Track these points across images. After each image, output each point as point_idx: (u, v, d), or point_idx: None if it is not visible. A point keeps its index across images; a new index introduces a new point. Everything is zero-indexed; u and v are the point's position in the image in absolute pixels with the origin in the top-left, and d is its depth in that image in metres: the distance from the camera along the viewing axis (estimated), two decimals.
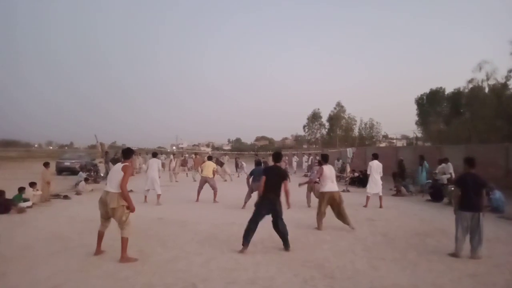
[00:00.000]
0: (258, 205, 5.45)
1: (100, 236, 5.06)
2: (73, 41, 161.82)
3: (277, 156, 5.88)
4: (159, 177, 10.33)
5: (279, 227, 5.36)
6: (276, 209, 5.34)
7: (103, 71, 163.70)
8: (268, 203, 5.35)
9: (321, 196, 6.78)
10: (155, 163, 10.33)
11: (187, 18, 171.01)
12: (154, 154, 11.22)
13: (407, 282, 4.12)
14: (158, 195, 9.92)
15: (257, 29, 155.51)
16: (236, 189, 12.76)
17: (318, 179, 7.33)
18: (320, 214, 6.78)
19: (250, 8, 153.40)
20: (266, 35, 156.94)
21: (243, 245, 5.25)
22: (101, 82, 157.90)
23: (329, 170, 6.83)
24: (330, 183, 6.70)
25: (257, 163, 10.11)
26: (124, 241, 4.79)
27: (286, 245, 5.39)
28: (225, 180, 17.74)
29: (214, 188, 10.44)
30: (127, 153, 5.25)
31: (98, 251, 5.05)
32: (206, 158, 12.92)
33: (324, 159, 7.23)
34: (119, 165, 4.99)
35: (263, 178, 5.42)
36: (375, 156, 10.03)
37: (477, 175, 5.34)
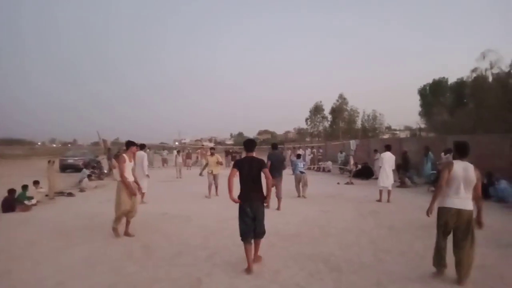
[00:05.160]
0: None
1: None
2: (77, 38, 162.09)
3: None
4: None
5: None
6: None
7: (107, 68, 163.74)
8: None
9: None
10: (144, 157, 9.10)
11: (193, 14, 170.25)
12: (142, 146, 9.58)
13: (413, 275, 4.09)
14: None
15: (261, 24, 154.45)
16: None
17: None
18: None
19: (254, 3, 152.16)
20: (269, 28, 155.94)
21: None
22: (104, 78, 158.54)
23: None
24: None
25: (273, 147, 9.23)
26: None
27: None
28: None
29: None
30: (126, 145, 6.17)
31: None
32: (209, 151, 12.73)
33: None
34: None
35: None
36: (388, 148, 9.44)
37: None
